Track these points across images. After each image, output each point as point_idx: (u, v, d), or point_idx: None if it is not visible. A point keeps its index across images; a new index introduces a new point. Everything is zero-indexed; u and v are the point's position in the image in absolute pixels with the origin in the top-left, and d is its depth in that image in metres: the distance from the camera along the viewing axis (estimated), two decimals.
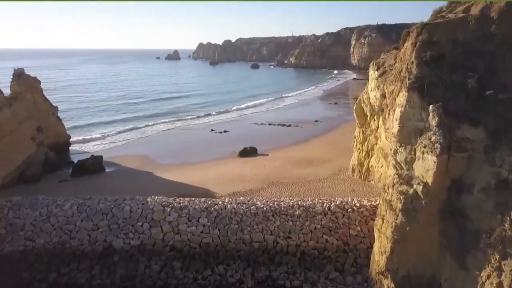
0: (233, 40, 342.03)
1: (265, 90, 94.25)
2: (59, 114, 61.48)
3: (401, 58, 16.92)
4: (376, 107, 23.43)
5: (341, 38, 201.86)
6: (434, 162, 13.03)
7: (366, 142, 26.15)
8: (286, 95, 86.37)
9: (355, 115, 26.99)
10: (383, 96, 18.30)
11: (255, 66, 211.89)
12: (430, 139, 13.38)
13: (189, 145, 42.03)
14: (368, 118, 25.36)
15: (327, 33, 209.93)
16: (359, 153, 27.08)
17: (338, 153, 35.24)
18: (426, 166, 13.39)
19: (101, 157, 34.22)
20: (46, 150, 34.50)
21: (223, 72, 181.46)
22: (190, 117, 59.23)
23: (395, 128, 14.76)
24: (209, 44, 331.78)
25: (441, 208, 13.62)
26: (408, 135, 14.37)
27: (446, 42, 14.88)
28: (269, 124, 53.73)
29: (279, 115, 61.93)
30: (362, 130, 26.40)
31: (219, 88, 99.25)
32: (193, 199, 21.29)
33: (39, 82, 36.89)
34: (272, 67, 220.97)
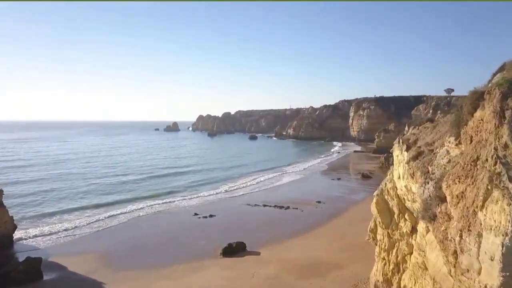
0: (232, 112, 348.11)
1: (264, 165, 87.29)
2: (31, 197, 54.26)
3: (471, 138, 10.12)
4: (408, 203, 16.21)
5: (339, 110, 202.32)
6: None
7: (395, 251, 18.38)
8: (285, 169, 79.70)
9: (376, 211, 19.58)
10: (440, 198, 11.19)
11: (253, 137, 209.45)
12: None
13: (163, 237, 33.84)
14: (396, 217, 17.93)
15: (325, 105, 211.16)
16: (385, 264, 19.14)
17: (350, 254, 27.16)
18: None
19: (39, 259, 26.02)
20: None
21: (221, 144, 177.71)
22: (174, 198, 51.41)
23: (492, 280, 7.36)
24: (208, 116, 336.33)
25: None
26: None
27: None
28: (264, 206, 46.00)
29: (276, 193, 54.44)
30: (388, 233, 18.77)
31: (214, 163, 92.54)
32: None
33: None
34: (273, 138, 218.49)
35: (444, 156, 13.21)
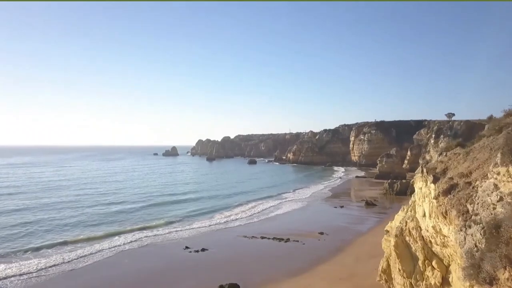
0: (232, 137, 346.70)
1: (263, 192, 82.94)
2: (15, 229, 50.01)
3: None
4: (437, 247, 13.01)
5: (339, 134, 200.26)
6: None
7: None
8: (285, 196, 76.00)
9: (394, 254, 16.25)
10: (508, 259, 8.00)
11: (252, 162, 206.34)
12: None
13: (147, 276, 30.05)
14: (421, 264, 14.62)
15: (325, 130, 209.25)
16: None
17: None
18: None
19: None
20: None
21: (219, 169, 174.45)
22: (166, 229, 47.59)
23: None
24: (208, 140, 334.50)
25: None
26: None
27: None
28: (262, 238, 42.27)
29: (275, 223, 50.78)
30: (411, 283, 15.38)
31: (211, 190, 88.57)
32: None
33: None
34: (273, 163, 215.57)
35: (492, 192, 10.11)
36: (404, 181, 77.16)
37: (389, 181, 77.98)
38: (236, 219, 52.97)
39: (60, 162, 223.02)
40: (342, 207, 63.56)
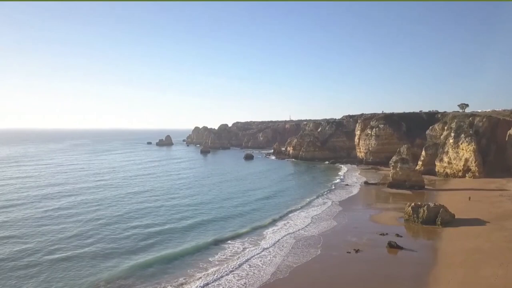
0: (229, 124, 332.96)
1: (249, 223, 63.79)
2: None
3: None
4: None
5: (343, 127, 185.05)
6: None
7: None
8: (281, 230, 61.33)
9: None
10: None
11: (249, 157, 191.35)
12: None
13: None
14: None
15: (328, 121, 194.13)
16: None
17: None
18: None
19: None
20: None
21: (211, 169, 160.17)
22: None
23: None
24: (204, 128, 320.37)
25: None
26: None
27: None
28: None
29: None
30: None
31: (186, 212, 72.38)
32: None
33: None
34: (268, 156, 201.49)
35: None
36: (431, 205, 62.69)
37: (413, 204, 63.54)
38: (218, 271, 37.21)
39: (47, 155, 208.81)
40: (357, 251, 49.11)
